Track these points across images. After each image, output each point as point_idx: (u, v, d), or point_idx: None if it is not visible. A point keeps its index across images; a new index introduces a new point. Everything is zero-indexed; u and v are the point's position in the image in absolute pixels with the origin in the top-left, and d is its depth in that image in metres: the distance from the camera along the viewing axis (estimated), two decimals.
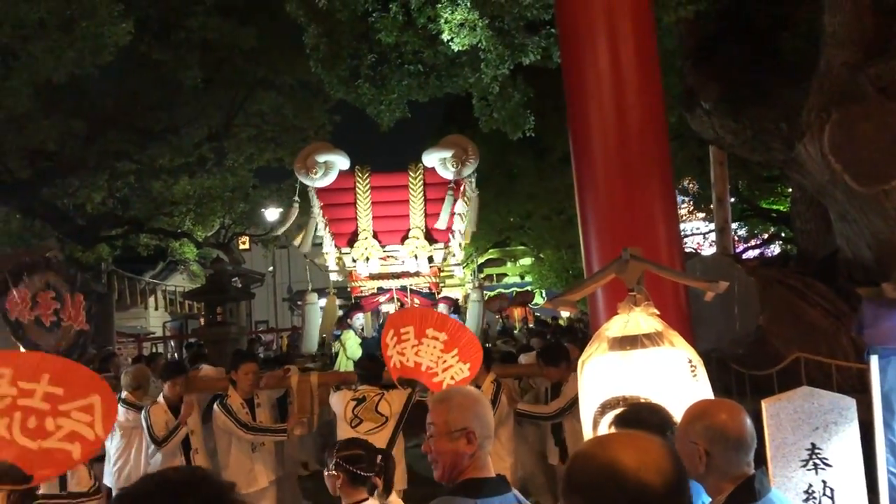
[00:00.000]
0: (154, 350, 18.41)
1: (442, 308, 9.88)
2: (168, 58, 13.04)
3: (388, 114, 10.03)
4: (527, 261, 24.59)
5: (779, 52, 7.94)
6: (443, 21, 8.28)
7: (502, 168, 18.61)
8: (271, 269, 26.58)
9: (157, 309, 21.77)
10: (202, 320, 18.31)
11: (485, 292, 20.62)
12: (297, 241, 10.28)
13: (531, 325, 19.22)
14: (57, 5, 9.11)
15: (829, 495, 3.22)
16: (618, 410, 3.00)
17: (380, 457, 3.47)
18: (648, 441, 1.45)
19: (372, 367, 5.65)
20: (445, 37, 8.39)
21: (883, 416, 3.79)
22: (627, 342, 3.33)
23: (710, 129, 7.60)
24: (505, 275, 26.70)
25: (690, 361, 3.33)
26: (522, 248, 23.75)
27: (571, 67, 5.02)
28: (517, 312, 23.03)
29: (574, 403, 5.54)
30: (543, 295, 22.94)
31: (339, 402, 5.46)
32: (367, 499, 3.33)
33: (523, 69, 9.80)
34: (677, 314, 4.38)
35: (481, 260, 23.96)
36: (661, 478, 1.36)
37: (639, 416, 2.68)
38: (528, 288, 23.52)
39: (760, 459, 3.60)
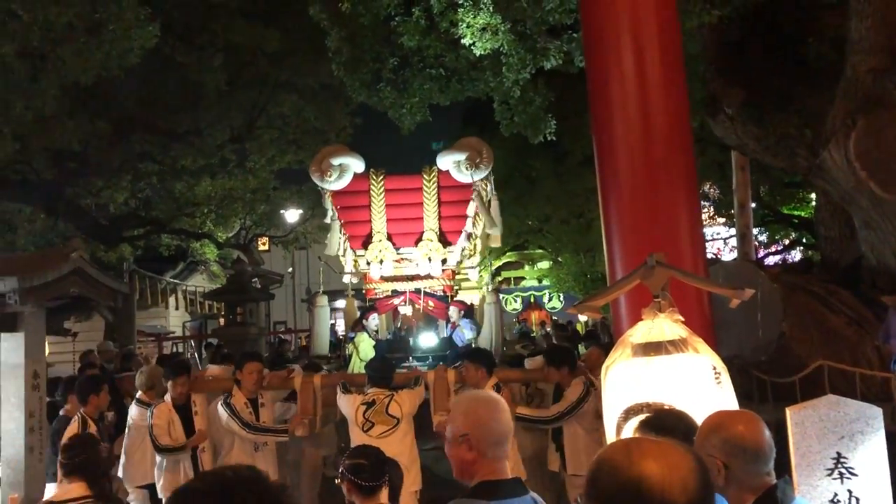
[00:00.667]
0: (174, 349, 18.56)
1: (453, 311, 9.91)
2: (192, 60, 13.14)
3: (409, 117, 10.07)
4: (545, 264, 24.52)
5: (803, 58, 7.90)
6: (465, 25, 8.30)
7: (521, 171, 18.60)
8: (290, 270, 26.69)
9: (177, 309, 21.89)
10: (222, 320, 18.44)
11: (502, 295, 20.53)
12: (328, 249, 10.31)
13: (548, 330, 19.18)
14: (85, 9, 9.22)
15: None
16: (642, 416, 3.00)
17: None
18: (679, 455, 1.42)
19: (382, 368, 5.67)
20: (467, 41, 8.41)
21: None
22: (651, 348, 3.33)
23: (732, 134, 7.58)
24: (523, 278, 26.65)
25: (715, 368, 3.32)
26: (540, 251, 23.69)
27: (595, 71, 5.03)
28: (535, 316, 23.01)
29: (575, 408, 5.55)
30: (561, 299, 22.89)
31: (349, 406, 5.45)
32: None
33: (544, 73, 9.81)
34: (701, 320, 4.37)
35: (499, 263, 23.93)
36: (685, 497, 1.34)
37: (664, 423, 2.67)
38: (546, 292, 23.48)
39: (784, 468, 3.59)
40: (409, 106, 9.89)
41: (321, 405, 5.85)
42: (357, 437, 5.22)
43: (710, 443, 2.22)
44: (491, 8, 8.07)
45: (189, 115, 14.55)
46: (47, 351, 9.75)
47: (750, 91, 7.32)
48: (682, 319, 3.39)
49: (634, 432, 2.81)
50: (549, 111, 10.30)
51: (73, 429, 5.40)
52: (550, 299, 23.47)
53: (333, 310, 14.43)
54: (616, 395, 3.43)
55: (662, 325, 3.34)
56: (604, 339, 11.62)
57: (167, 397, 5.83)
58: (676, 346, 3.30)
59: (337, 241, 9.95)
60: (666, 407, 3.13)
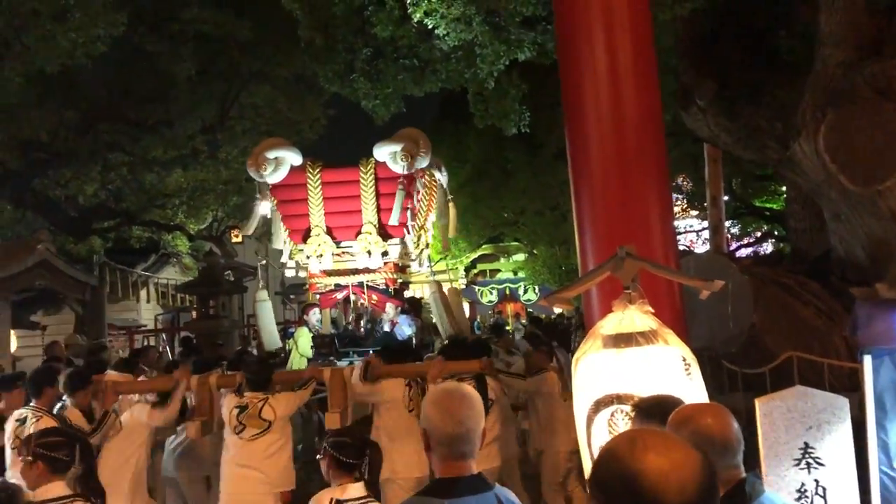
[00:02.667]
0: (146, 343, 18.34)
1: (389, 308, 9.82)
2: (162, 49, 12.99)
3: (383, 108, 10.00)
4: (520, 256, 24.60)
5: (774, 51, 7.95)
6: (438, 16, 8.25)
7: (497, 163, 18.64)
8: (263, 262, 26.46)
9: (148, 302, 21.60)
10: (194, 313, 18.25)
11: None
12: (275, 243, 10.20)
13: (524, 322, 19.24)
14: None
15: (822, 494, 3.22)
16: (637, 401, 2.97)
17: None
18: (684, 454, 1.38)
19: (259, 372, 5.55)
20: (441, 31, 8.35)
21: (875, 415, 3.79)
22: (622, 340, 3.32)
23: (704, 127, 7.61)
24: (498, 270, 26.71)
25: (685, 359, 3.32)
26: (516, 243, 23.77)
27: (568, 62, 5.00)
28: (510, 308, 23.08)
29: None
30: (536, 291, 22.98)
31: (225, 408, 5.39)
32: (352, 483, 3.51)
33: (518, 65, 9.78)
34: (671, 312, 4.38)
35: (474, 255, 23.96)
36: (679, 497, 1.31)
37: (663, 409, 2.67)
38: (522, 284, 23.56)
39: (754, 459, 3.61)
40: (382, 97, 9.81)
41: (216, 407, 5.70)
42: (229, 440, 5.22)
43: (679, 436, 2.21)
44: None
45: (160, 106, 14.37)
46: (14, 345, 9.62)
47: (722, 84, 7.35)
48: (653, 311, 3.39)
49: (632, 416, 2.79)
50: (523, 103, 10.29)
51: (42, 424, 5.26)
52: (526, 291, 23.55)
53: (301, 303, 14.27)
54: (587, 387, 3.42)
55: (633, 316, 3.33)
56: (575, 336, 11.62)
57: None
58: (647, 337, 3.29)
59: (281, 234, 9.84)
60: (646, 396, 3.13)
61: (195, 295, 16.50)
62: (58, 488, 3.29)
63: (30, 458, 3.35)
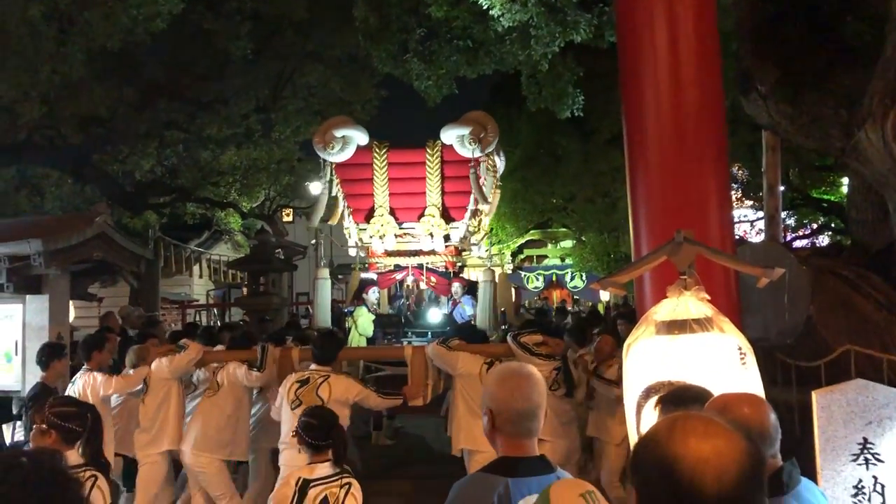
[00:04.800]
0: (197, 317, 18.71)
1: (456, 287, 9.84)
2: (219, 28, 13.11)
3: (435, 89, 9.99)
4: (568, 243, 24.35)
5: (840, 36, 7.68)
6: None
7: (548, 148, 18.45)
8: (314, 242, 26.75)
9: (201, 277, 22.04)
10: (245, 290, 18.55)
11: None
12: (313, 220, 10.25)
13: (569, 308, 19.13)
14: None
15: (880, 491, 3.13)
16: (662, 392, 2.93)
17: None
18: (728, 441, 1.29)
19: (327, 345, 5.61)
20: (496, 12, 8.29)
21: None
22: (676, 326, 3.26)
23: (765, 113, 7.40)
24: (545, 256, 26.52)
25: (740, 349, 3.25)
26: (564, 230, 23.53)
27: (627, 43, 4.91)
28: (556, 295, 22.95)
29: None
30: (583, 278, 22.78)
31: (286, 383, 5.44)
32: (323, 462, 3.69)
33: (573, 47, 9.66)
34: (727, 301, 4.29)
35: (521, 241, 23.82)
36: (716, 485, 1.23)
37: (684, 397, 2.62)
38: (569, 271, 23.37)
39: (808, 452, 3.52)
40: (435, 78, 9.81)
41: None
42: (286, 416, 5.24)
43: None
44: None
45: (215, 84, 14.56)
46: (72, 315, 9.87)
47: (784, 69, 7.13)
48: (708, 298, 3.32)
49: (655, 409, 2.76)
50: (577, 87, 10.17)
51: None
52: (572, 278, 23.34)
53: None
54: (638, 373, 3.37)
55: (688, 303, 3.27)
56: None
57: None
58: (702, 324, 3.23)
59: (322, 212, 9.86)
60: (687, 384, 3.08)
61: (246, 271, 16.78)
62: (72, 457, 3.33)
63: (44, 426, 3.40)
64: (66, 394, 5.60)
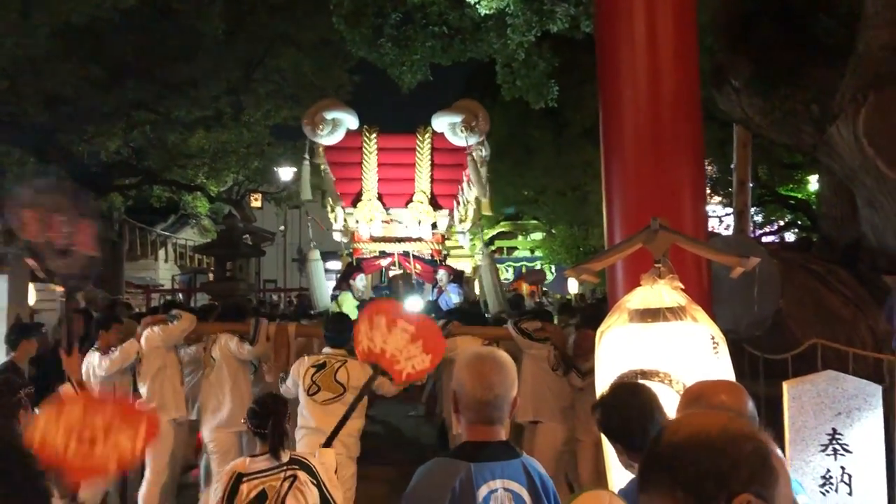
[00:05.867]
0: (162, 302, 18.44)
1: (442, 275, 9.78)
2: (190, 7, 12.87)
3: (409, 75, 9.89)
4: (538, 235, 24.45)
5: (813, 33, 7.74)
6: None
7: (520, 140, 18.45)
8: (282, 228, 26.56)
9: (166, 261, 21.77)
10: (211, 275, 18.33)
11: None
12: (302, 194, 10.11)
13: (538, 300, 19.19)
14: None
15: (847, 482, 3.15)
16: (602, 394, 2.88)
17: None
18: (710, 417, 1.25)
19: (338, 328, 5.40)
20: None
21: None
22: (649, 315, 3.25)
23: (738, 108, 7.43)
24: (515, 248, 26.59)
25: (713, 338, 3.25)
26: (535, 222, 23.62)
27: (605, 32, 4.88)
28: (525, 287, 23.02)
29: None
30: (552, 270, 22.88)
31: (300, 369, 5.24)
32: (260, 455, 3.40)
33: (549, 37, 9.63)
34: (698, 291, 4.28)
35: (493, 232, 23.86)
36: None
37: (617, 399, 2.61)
38: (538, 263, 23.45)
39: (778, 443, 3.53)
40: (409, 63, 9.71)
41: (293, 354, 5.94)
42: (303, 402, 5.04)
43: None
44: None
45: (185, 65, 14.28)
46: (33, 299, 9.64)
47: (758, 64, 7.16)
48: (682, 287, 3.31)
49: (592, 413, 2.72)
50: (552, 77, 10.15)
51: None
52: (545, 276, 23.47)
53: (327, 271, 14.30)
54: (610, 361, 3.35)
55: (661, 291, 3.25)
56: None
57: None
58: (675, 313, 3.22)
59: (309, 185, 9.73)
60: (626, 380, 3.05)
61: (213, 256, 16.58)
62: None
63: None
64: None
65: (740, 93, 7.32)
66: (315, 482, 3.39)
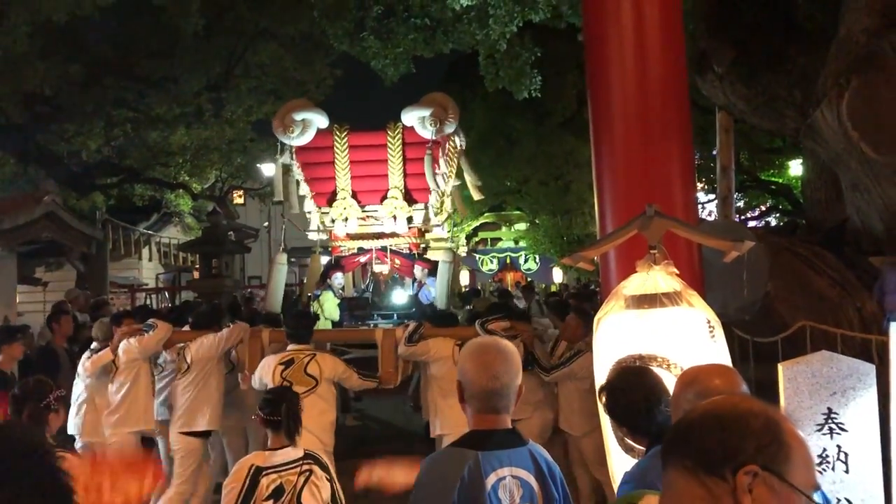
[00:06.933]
0: (147, 301, 18.34)
1: (418, 270, 9.80)
2: (168, 3, 12.75)
3: (392, 68, 9.88)
4: (521, 226, 24.48)
5: (794, 18, 7.81)
6: None
7: (501, 131, 18.47)
8: (266, 224, 26.41)
9: (150, 260, 21.54)
10: (196, 273, 18.22)
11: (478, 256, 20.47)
12: (276, 195, 10.09)
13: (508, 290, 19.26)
14: None
15: (843, 460, 3.21)
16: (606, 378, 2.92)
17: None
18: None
19: (301, 324, 5.54)
20: None
21: None
22: (645, 301, 3.29)
23: (721, 94, 7.50)
24: (499, 239, 26.63)
25: (709, 322, 3.29)
26: (518, 212, 23.64)
27: (593, 18, 4.90)
28: (510, 277, 23.08)
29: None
30: (537, 260, 22.94)
31: (267, 369, 5.30)
32: (280, 448, 3.43)
33: (531, 27, 9.65)
34: (691, 276, 4.32)
35: (476, 224, 23.87)
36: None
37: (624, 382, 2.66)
38: (522, 253, 23.50)
39: None
40: (392, 57, 9.69)
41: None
42: None
43: (686, 397, 2.17)
44: None
45: (165, 62, 14.16)
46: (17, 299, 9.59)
47: (740, 50, 7.22)
48: (678, 272, 3.35)
49: (600, 397, 2.76)
50: (535, 67, 10.17)
51: None
52: (526, 261, 23.52)
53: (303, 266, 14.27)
54: (608, 348, 3.39)
55: (657, 277, 3.29)
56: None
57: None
58: (671, 298, 3.26)
59: (296, 197, 9.73)
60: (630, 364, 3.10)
61: (198, 254, 16.46)
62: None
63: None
64: None
65: (723, 79, 7.38)
66: (329, 477, 3.43)
